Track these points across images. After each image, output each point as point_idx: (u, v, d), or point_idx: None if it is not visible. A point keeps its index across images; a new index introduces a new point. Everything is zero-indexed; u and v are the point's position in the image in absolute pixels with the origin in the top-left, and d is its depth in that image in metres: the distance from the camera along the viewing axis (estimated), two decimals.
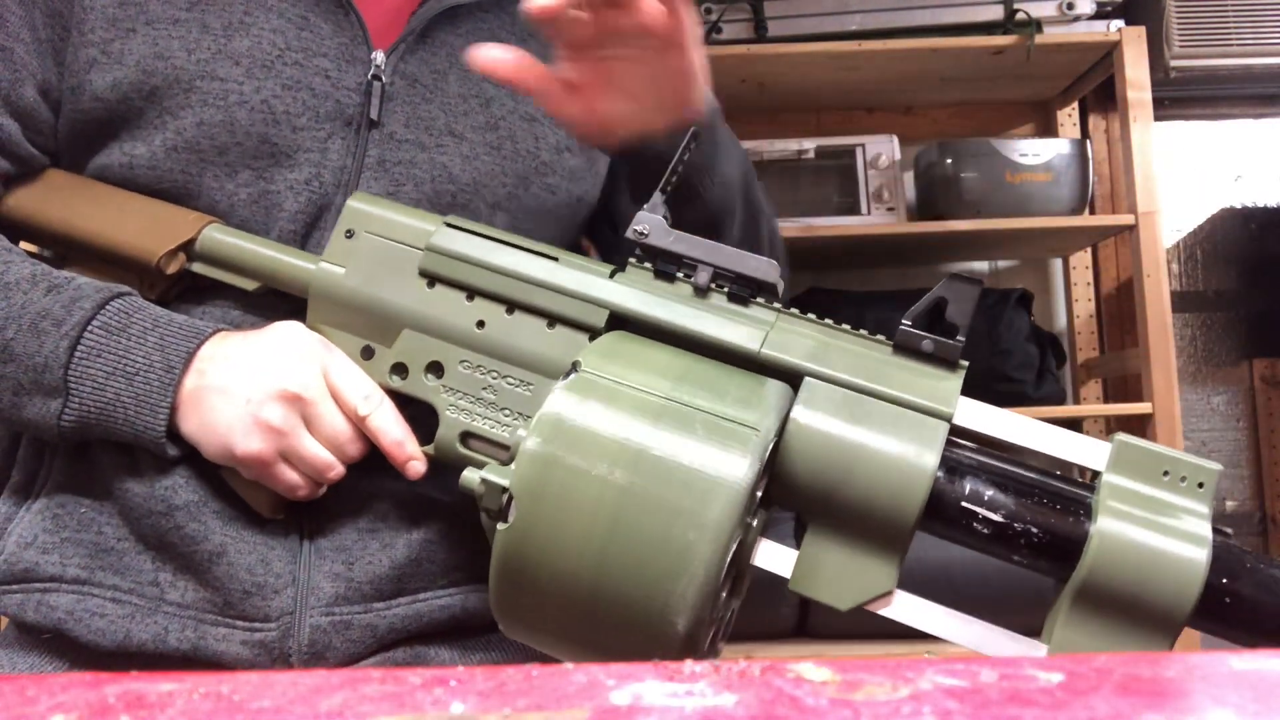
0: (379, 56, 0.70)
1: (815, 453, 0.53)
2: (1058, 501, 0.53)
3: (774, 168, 1.88)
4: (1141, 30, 1.82)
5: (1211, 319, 2.18)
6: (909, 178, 1.99)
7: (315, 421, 0.60)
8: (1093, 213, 2.05)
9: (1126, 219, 1.80)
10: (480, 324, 0.61)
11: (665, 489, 0.48)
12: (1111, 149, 2.13)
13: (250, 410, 0.59)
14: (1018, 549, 0.53)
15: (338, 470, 0.61)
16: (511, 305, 0.61)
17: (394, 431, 0.61)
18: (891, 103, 2.12)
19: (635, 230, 0.59)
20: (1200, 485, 0.52)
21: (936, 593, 1.61)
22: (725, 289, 0.59)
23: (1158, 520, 0.51)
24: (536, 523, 0.49)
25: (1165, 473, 0.53)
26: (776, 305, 0.59)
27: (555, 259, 0.62)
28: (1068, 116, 2.10)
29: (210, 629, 0.62)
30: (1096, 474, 0.54)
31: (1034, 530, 0.53)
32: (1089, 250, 2.09)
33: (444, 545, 0.66)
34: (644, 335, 0.58)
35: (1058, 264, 2.13)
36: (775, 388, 0.54)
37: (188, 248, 0.65)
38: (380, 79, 0.69)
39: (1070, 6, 1.84)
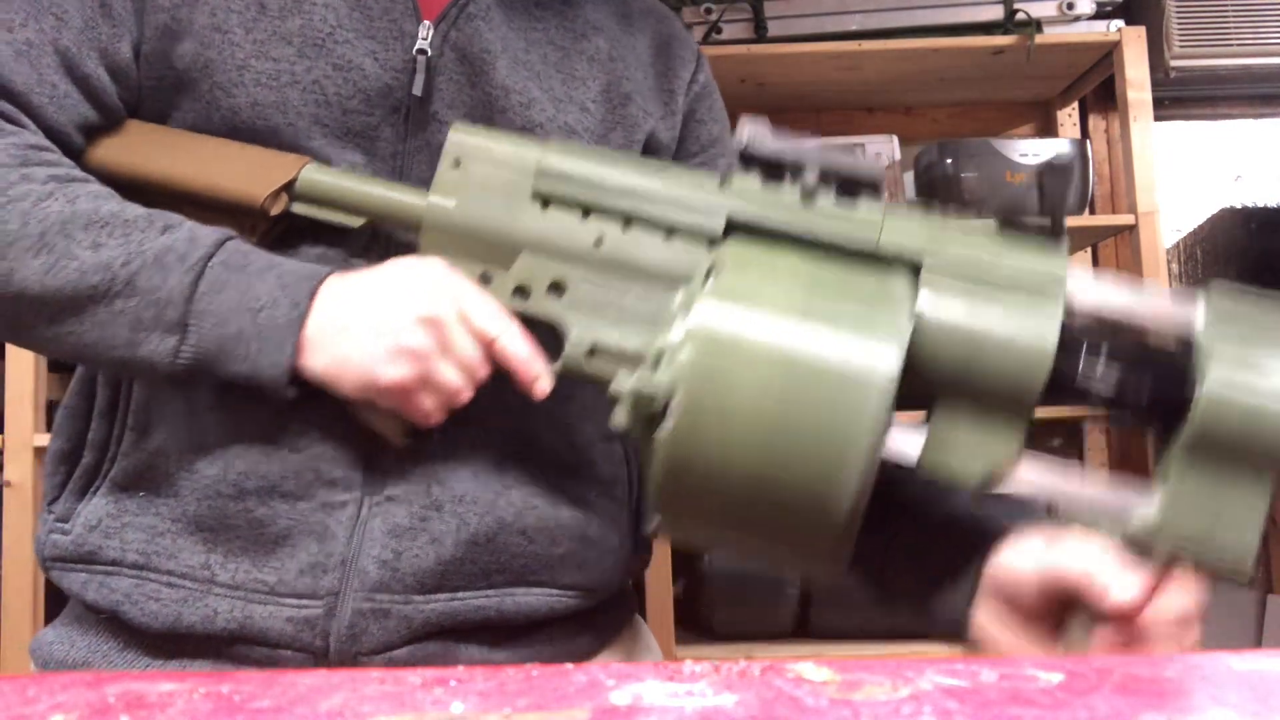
0: (424, 27, 0.69)
1: (943, 339, 0.55)
2: (1165, 359, 0.56)
3: None
4: (1141, 30, 1.81)
5: None
6: (909, 178, 1.99)
7: (449, 346, 0.61)
8: (1093, 213, 2.05)
9: (1126, 219, 1.80)
10: (598, 241, 0.62)
11: (819, 384, 0.51)
12: (1111, 149, 2.12)
13: (390, 338, 0.60)
14: (1133, 411, 0.56)
15: (467, 394, 0.62)
16: (627, 219, 0.62)
17: (523, 351, 0.62)
18: (891, 103, 2.12)
19: (740, 140, 0.61)
20: None
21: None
22: (833, 188, 0.60)
23: (1261, 365, 0.53)
24: (697, 422, 0.52)
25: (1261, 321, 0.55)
26: (882, 201, 0.61)
27: (664, 172, 0.63)
28: (1068, 116, 2.10)
29: (258, 607, 0.62)
30: (1191, 333, 0.56)
31: (1145, 389, 0.55)
32: (1089, 250, 2.09)
33: (489, 549, 0.66)
34: (762, 239, 0.60)
35: None
36: (901, 280, 0.57)
37: (289, 188, 0.66)
38: (426, 52, 0.69)
39: (1070, 6, 1.84)
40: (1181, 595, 0.56)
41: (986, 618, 0.61)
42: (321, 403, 0.64)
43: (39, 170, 0.62)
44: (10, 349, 1.54)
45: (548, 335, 0.63)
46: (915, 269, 0.58)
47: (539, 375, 0.62)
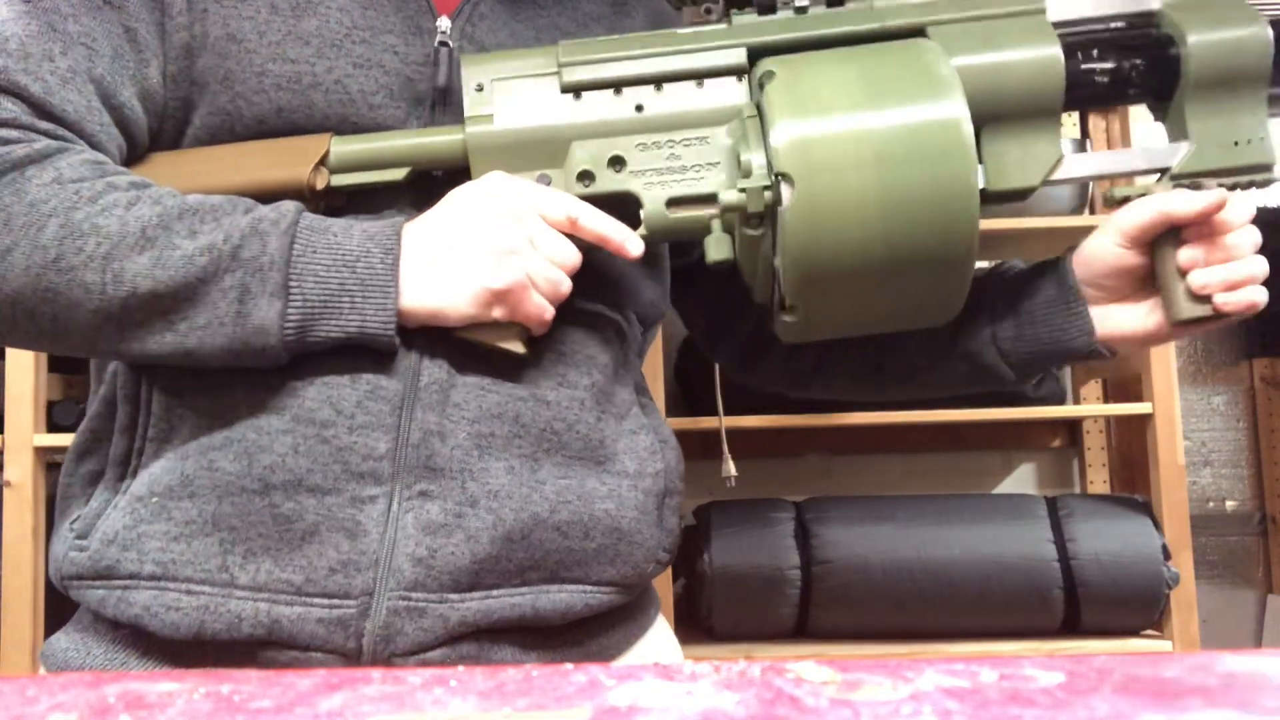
0: (444, 22, 0.71)
1: (970, 78, 0.64)
2: (1142, 39, 0.69)
3: None
4: None
5: None
6: None
7: (536, 240, 0.64)
8: (1093, 213, 2.05)
9: None
10: (639, 108, 0.67)
11: (912, 144, 0.60)
12: (1111, 149, 2.13)
13: (489, 243, 0.63)
14: (1132, 84, 0.68)
15: (566, 285, 0.65)
16: (658, 81, 0.68)
17: (603, 221, 0.65)
18: None
19: None
20: None
21: (938, 591, 1.62)
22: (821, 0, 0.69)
23: (1220, 16, 0.67)
24: (814, 189, 0.59)
25: None
26: None
27: (670, 34, 0.69)
28: (1067, 116, 2.10)
29: (284, 609, 0.61)
30: (1153, 12, 0.69)
31: (1139, 62, 0.68)
32: None
33: (524, 546, 0.66)
34: (786, 56, 0.66)
35: None
36: (924, 44, 0.65)
37: (324, 164, 0.68)
38: (447, 44, 0.71)
39: None
40: (1242, 201, 0.67)
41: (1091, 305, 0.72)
42: (350, 394, 0.64)
43: (118, 178, 0.63)
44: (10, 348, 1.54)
45: (625, 212, 0.67)
46: (920, 33, 0.67)
47: (626, 236, 0.65)
